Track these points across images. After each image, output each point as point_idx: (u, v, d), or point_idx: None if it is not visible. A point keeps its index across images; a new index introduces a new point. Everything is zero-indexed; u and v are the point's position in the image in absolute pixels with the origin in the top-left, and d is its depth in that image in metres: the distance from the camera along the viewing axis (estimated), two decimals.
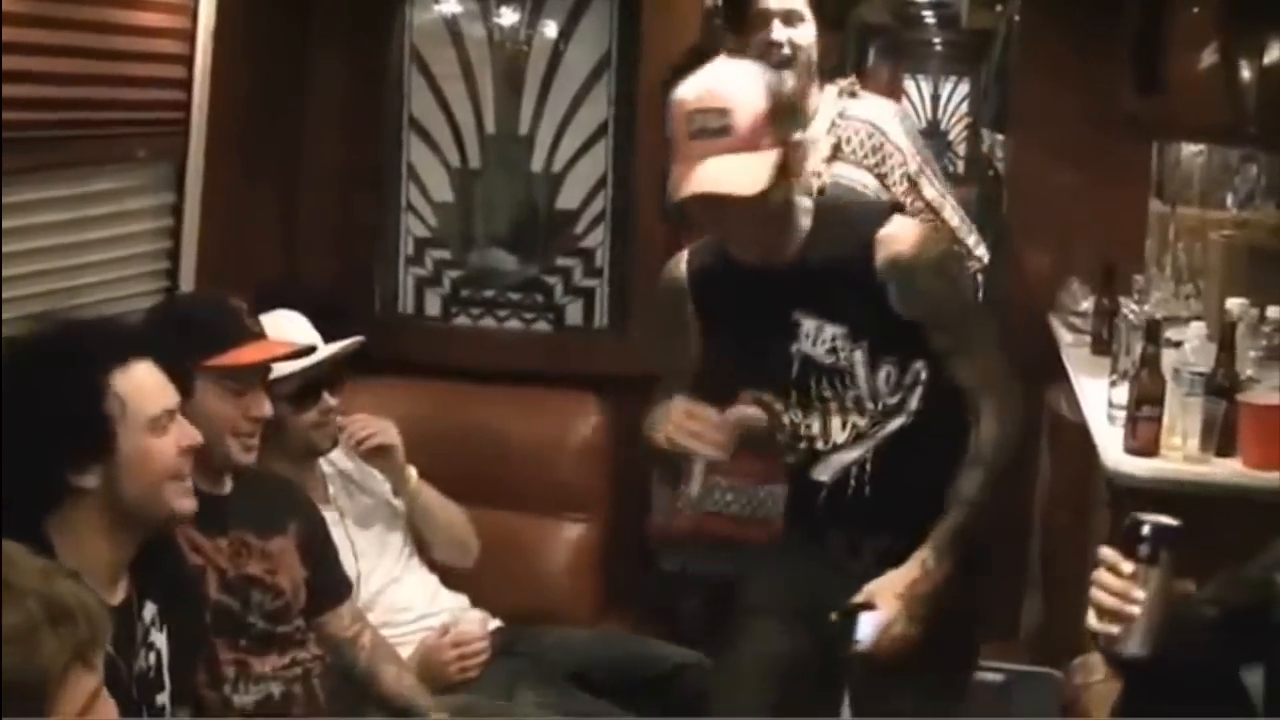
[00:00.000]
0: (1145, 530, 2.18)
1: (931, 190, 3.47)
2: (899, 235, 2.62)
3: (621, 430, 3.80)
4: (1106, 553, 2.20)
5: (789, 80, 2.76)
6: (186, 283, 3.46)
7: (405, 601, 3.32)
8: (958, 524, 2.66)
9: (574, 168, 3.98)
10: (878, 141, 3.41)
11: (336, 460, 3.34)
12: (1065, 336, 4.37)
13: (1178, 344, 3.42)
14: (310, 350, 3.04)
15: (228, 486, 2.81)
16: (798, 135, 2.61)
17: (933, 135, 8.28)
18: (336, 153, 3.96)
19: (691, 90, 2.55)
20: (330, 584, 2.99)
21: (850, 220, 2.68)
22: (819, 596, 2.71)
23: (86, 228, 3.16)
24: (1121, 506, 3.15)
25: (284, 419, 3.08)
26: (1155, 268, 4.52)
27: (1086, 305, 4.36)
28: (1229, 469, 3.18)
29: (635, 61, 3.89)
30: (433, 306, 4.07)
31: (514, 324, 4.05)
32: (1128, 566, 2.17)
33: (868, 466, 2.73)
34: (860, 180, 3.37)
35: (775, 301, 2.67)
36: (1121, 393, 3.36)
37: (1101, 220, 4.55)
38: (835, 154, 3.38)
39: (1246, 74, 3.69)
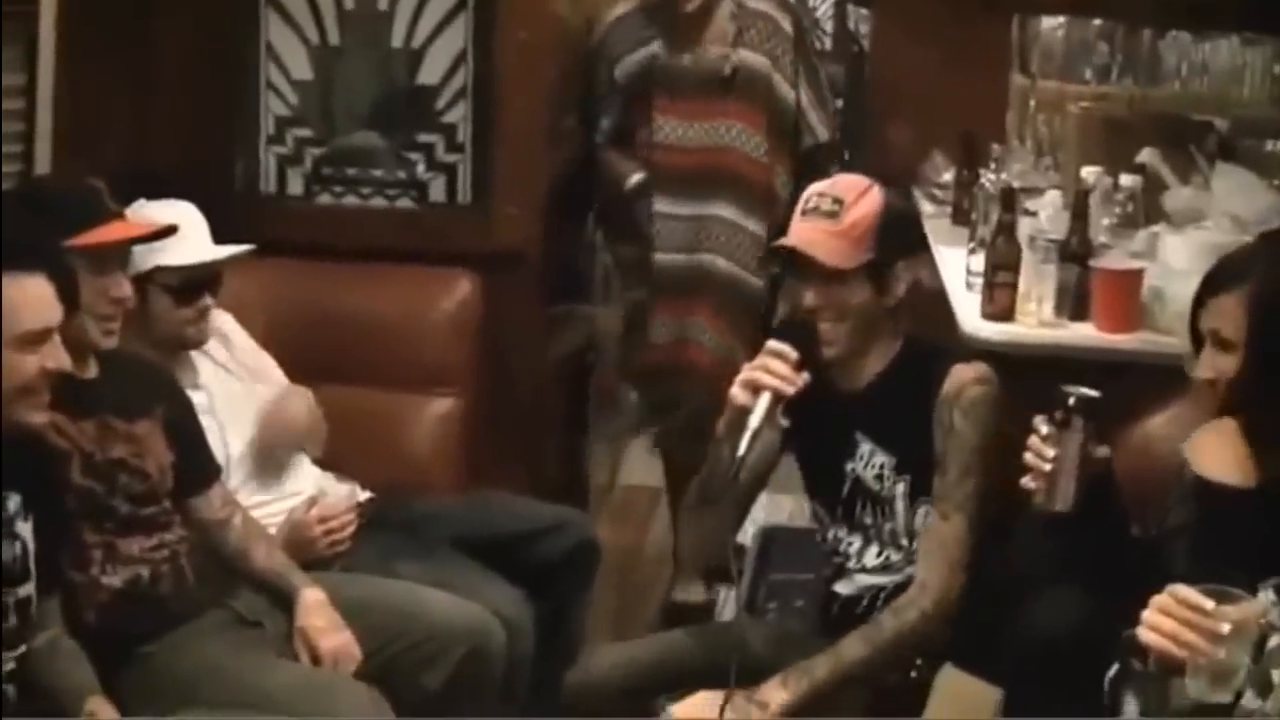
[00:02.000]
0: (1063, 397, 2.42)
1: (802, 67, 4.17)
2: (959, 370, 2.74)
3: (488, 304, 3.82)
4: (1036, 419, 2.43)
5: (908, 209, 2.97)
6: (42, 165, 3.41)
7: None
8: (821, 678, 2.65)
9: (434, 42, 3.94)
10: (772, 28, 4.13)
11: (209, 348, 3.31)
12: (927, 207, 4.43)
13: (1032, 214, 3.49)
14: (171, 230, 3.00)
15: (93, 370, 2.78)
16: (901, 264, 2.77)
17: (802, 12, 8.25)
18: (192, 31, 3.88)
19: (825, 182, 2.86)
20: (198, 466, 2.98)
21: (934, 359, 2.79)
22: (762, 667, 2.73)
23: None
24: None
25: (161, 311, 3.08)
26: (1016, 140, 4.57)
27: (948, 177, 4.43)
28: (1081, 333, 3.27)
29: None
30: (295, 185, 4.02)
31: (378, 201, 4.01)
32: (1044, 429, 2.43)
33: (884, 597, 2.79)
34: (760, 63, 4.11)
35: (844, 419, 2.80)
36: (979, 260, 3.44)
37: (963, 94, 4.59)
38: (738, 39, 4.09)
39: None
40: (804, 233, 2.75)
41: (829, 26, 9.02)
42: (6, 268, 2.30)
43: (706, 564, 2.94)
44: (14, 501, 2.37)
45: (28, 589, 2.37)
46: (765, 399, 2.65)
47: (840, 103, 6.01)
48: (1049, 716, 2.36)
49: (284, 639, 2.94)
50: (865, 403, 2.79)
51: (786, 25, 4.17)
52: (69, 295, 2.41)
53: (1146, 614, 2.10)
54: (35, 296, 2.33)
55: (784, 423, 2.80)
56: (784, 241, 2.79)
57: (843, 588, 2.85)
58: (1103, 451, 2.46)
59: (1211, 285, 2.44)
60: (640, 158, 4.18)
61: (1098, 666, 2.31)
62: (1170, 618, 2.06)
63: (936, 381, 2.73)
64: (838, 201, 2.73)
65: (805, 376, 2.66)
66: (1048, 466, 2.43)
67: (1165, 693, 2.16)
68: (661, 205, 4.18)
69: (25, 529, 2.38)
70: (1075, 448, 2.42)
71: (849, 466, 2.82)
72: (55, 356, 2.36)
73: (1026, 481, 2.46)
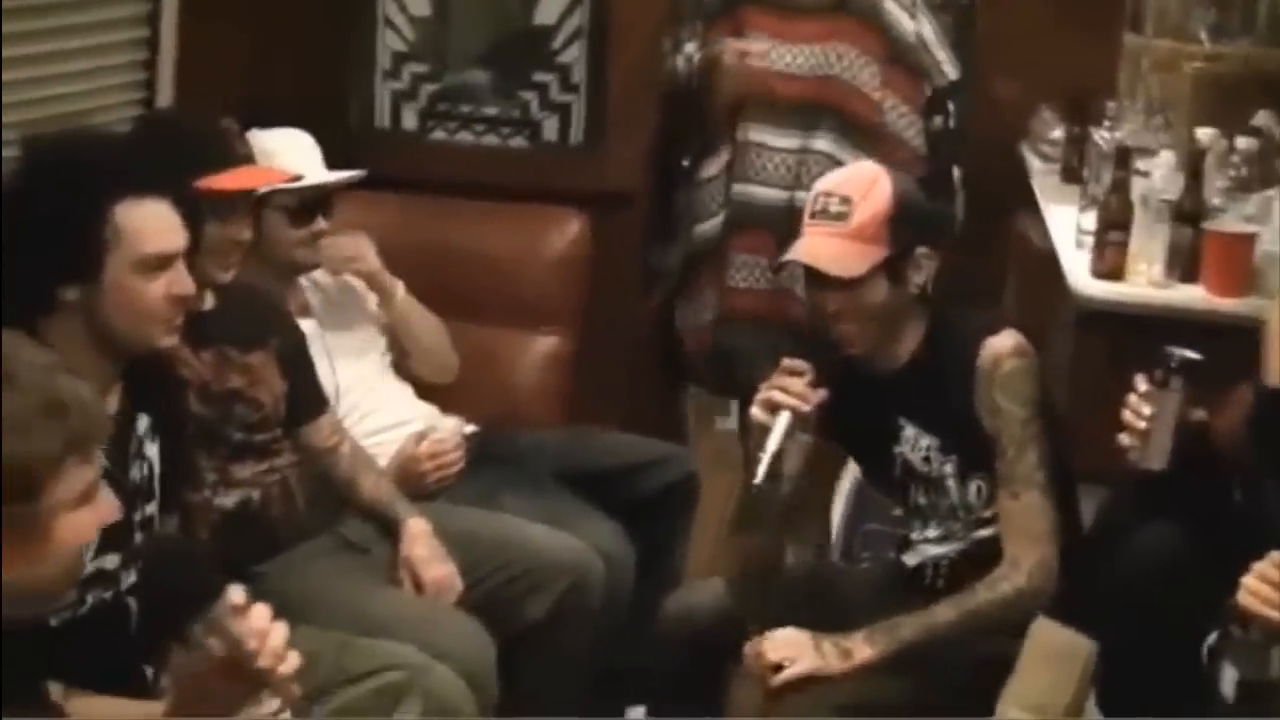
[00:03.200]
0: (1165, 358, 2.45)
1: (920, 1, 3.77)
2: (996, 344, 2.70)
3: (597, 245, 3.85)
4: (1136, 376, 2.46)
5: (918, 193, 2.83)
6: (164, 95, 3.47)
7: (383, 410, 3.36)
8: (908, 639, 2.65)
9: None
10: None
11: (318, 277, 3.37)
12: (1035, 164, 4.40)
13: (1145, 174, 3.48)
14: (297, 178, 3.06)
15: (209, 301, 2.84)
16: (920, 250, 2.71)
17: None
18: None
19: (831, 177, 2.84)
20: (309, 397, 3.04)
21: (962, 335, 2.75)
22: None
23: (65, 36, 3.17)
24: (1087, 328, 3.26)
25: (275, 233, 3.13)
26: (1127, 99, 4.53)
27: (1057, 134, 4.39)
28: (1192, 295, 3.27)
29: None
30: (409, 121, 4.07)
31: (490, 139, 4.06)
32: (1142, 386, 2.46)
33: (948, 564, 2.81)
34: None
35: (884, 404, 2.79)
36: (1090, 218, 3.43)
37: (1074, 51, 4.55)
38: None
39: None
40: (813, 242, 2.72)
41: None
42: (131, 192, 2.34)
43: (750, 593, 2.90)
44: (144, 422, 2.42)
45: (153, 508, 2.43)
46: (784, 418, 2.67)
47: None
48: (1142, 666, 2.39)
49: (391, 566, 3.01)
50: (902, 386, 2.77)
51: None
52: (194, 225, 2.45)
53: (1247, 580, 2.12)
54: (158, 221, 2.37)
55: (807, 439, 2.78)
56: (791, 255, 2.77)
57: (909, 559, 2.87)
58: (1199, 414, 2.48)
59: None
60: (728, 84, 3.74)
61: (1192, 614, 2.33)
62: (1270, 584, 2.07)
63: (969, 356, 2.70)
64: (846, 200, 2.70)
65: (823, 393, 2.69)
66: (1143, 424, 2.46)
67: (1266, 660, 2.18)
68: (753, 133, 3.75)
69: (153, 450, 2.44)
70: (1173, 408, 2.45)
71: (895, 450, 2.81)
72: (180, 283, 2.39)
73: (1123, 437, 2.48)
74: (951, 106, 4.02)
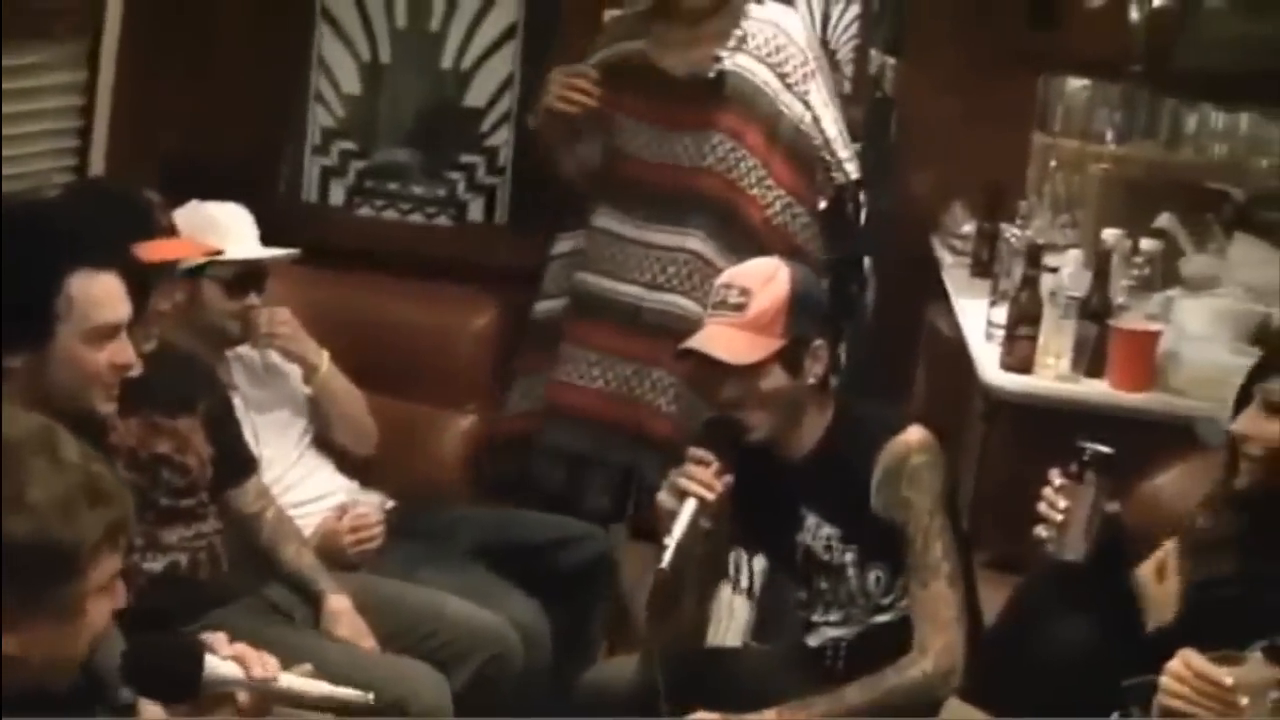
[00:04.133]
0: (1079, 452, 2.50)
1: (818, 96, 3.57)
2: (903, 440, 2.74)
3: (520, 324, 3.90)
4: (1050, 471, 2.52)
5: (817, 287, 2.90)
6: (96, 161, 3.50)
7: (305, 485, 3.37)
8: (821, 714, 2.71)
9: (482, 66, 4.05)
10: (781, 41, 3.53)
11: (243, 351, 3.38)
12: (946, 257, 4.55)
13: (1053, 270, 3.60)
14: (219, 252, 3.09)
15: (137, 368, 2.87)
16: (817, 342, 2.77)
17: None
18: (247, 40, 3.98)
19: (732, 270, 2.87)
20: (235, 461, 3.05)
21: (868, 429, 2.80)
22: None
23: (7, 100, 3.20)
24: (996, 418, 3.36)
25: (210, 304, 3.16)
26: (1035, 196, 4.68)
27: (968, 228, 4.54)
28: (1097, 389, 3.38)
29: None
30: (336, 196, 4.13)
31: (416, 217, 4.12)
32: (1057, 480, 2.52)
33: (847, 645, 2.85)
34: (761, 75, 3.51)
35: (787, 492, 2.83)
36: (1000, 312, 3.54)
37: (986, 147, 4.70)
38: (740, 45, 3.51)
39: (1135, 15, 3.87)
40: (710, 332, 2.78)
41: (849, 70, 9.17)
42: (82, 264, 2.40)
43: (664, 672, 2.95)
44: None
45: None
46: (690, 505, 2.70)
47: (858, 147, 6.11)
48: None
49: (313, 632, 3.03)
50: (805, 476, 2.82)
51: (800, 39, 3.59)
52: (138, 295, 2.51)
53: (1165, 681, 2.18)
54: (109, 293, 2.42)
55: (706, 526, 2.80)
56: (689, 344, 2.82)
57: (811, 640, 2.91)
58: (1113, 506, 2.56)
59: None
60: (598, 171, 3.61)
61: (1100, 702, 2.41)
62: (1188, 686, 2.15)
63: (874, 449, 2.75)
64: (744, 292, 2.76)
65: (728, 479, 2.73)
66: (1059, 517, 2.53)
67: None
68: (610, 223, 3.60)
69: None
70: (1088, 501, 2.52)
71: (798, 538, 2.85)
72: (123, 352, 2.45)
73: (1039, 530, 2.57)
74: (862, 198, 4.11)
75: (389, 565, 3.29)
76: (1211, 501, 2.57)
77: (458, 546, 3.44)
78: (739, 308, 2.75)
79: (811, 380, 2.78)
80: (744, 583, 3.87)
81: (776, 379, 2.75)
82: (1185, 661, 2.17)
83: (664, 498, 2.75)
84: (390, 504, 3.47)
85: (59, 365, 2.39)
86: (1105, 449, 2.54)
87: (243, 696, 1.93)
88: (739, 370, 2.74)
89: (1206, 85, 3.86)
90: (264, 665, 1.95)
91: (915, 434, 2.76)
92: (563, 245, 3.70)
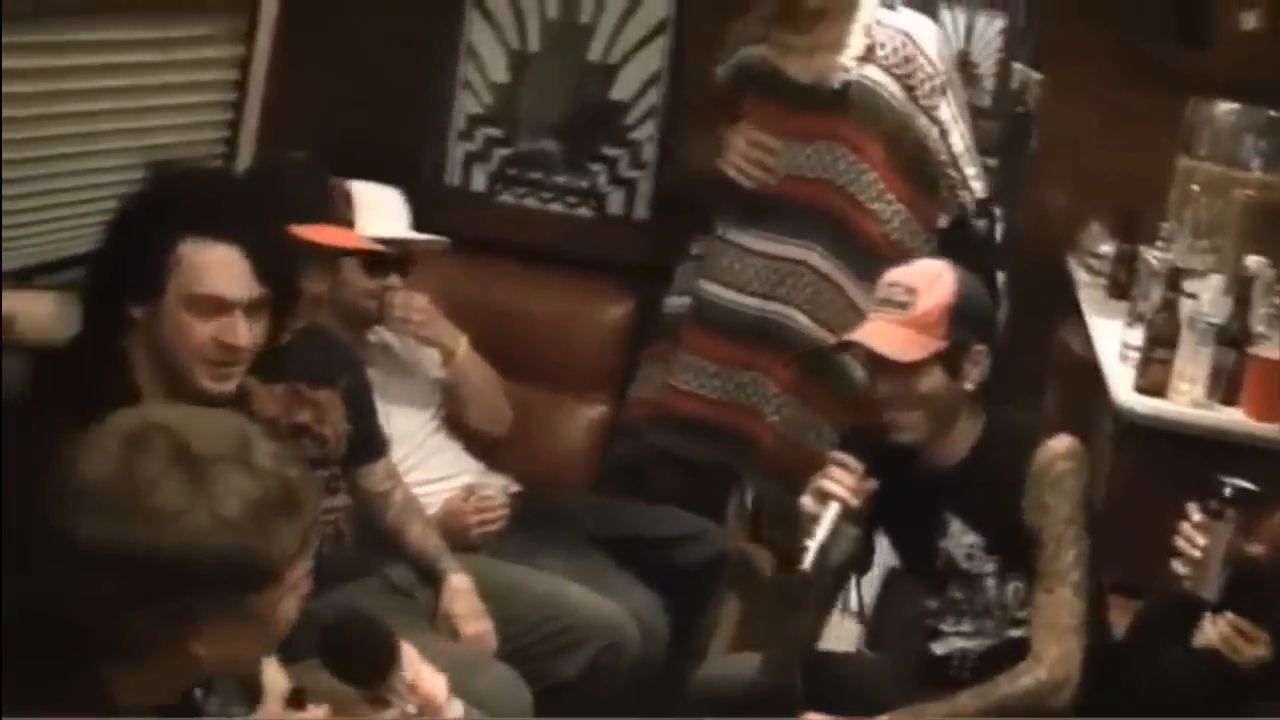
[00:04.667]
0: (1219, 487, 2.50)
1: (947, 111, 3.52)
2: (1053, 445, 2.76)
3: (651, 318, 3.92)
4: (1189, 505, 2.54)
5: (981, 293, 2.88)
6: (247, 137, 3.57)
7: (431, 464, 3.43)
8: None
9: (631, 61, 4.06)
10: (910, 52, 3.47)
11: (381, 332, 3.44)
12: (1082, 276, 4.50)
13: (1194, 296, 3.57)
14: (382, 247, 3.15)
15: (286, 336, 2.93)
16: (977, 348, 2.78)
17: (962, 67, 8.27)
18: (399, 24, 4.03)
19: (899, 269, 2.86)
20: (369, 438, 3.10)
21: (1019, 436, 2.82)
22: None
23: (163, 71, 3.27)
24: (1125, 441, 3.33)
25: (349, 281, 3.21)
26: (1176, 219, 4.63)
27: (1106, 248, 4.49)
28: (1231, 417, 3.35)
29: None
30: (479, 182, 4.17)
31: (556, 207, 4.15)
32: (1197, 516, 2.54)
33: (975, 658, 2.87)
34: (887, 86, 3.47)
35: (934, 498, 2.85)
36: (1136, 334, 3.52)
37: (1127, 168, 4.65)
38: (868, 55, 3.46)
39: None
40: (875, 327, 2.80)
41: (990, 84, 9.11)
42: (200, 231, 2.44)
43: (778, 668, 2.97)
44: None
45: None
46: (833, 510, 2.72)
47: (994, 162, 6.07)
48: None
49: (432, 613, 3.07)
50: (953, 483, 2.83)
51: (933, 54, 3.51)
52: (276, 278, 2.52)
53: None
54: (219, 265, 2.44)
55: (853, 531, 2.83)
56: (852, 336, 2.86)
57: (937, 648, 2.92)
58: (1254, 547, 2.55)
59: None
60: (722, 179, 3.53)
61: None
62: None
63: (1022, 460, 2.76)
64: (911, 291, 2.77)
65: (873, 484, 2.75)
66: (1198, 554, 2.53)
67: None
68: (730, 232, 3.59)
69: None
70: (1226, 538, 2.51)
71: (940, 544, 2.86)
72: (231, 332, 2.45)
73: (1176, 565, 2.55)
74: (998, 214, 4.08)
75: (511, 549, 3.34)
76: None
77: (579, 534, 3.48)
78: (904, 305, 2.77)
79: (969, 386, 2.79)
80: (853, 604, 3.88)
81: (934, 380, 2.76)
82: None
83: (807, 500, 2.76)
84: (515, 488, 3.52)
85: (165, 326, 2.44)
86: (1248, 485, 2.52)
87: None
88: (898, 367, 2.75)
89: None
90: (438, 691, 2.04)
91: (1064, 441, 2.78)
92: (696, 248, 3.72)
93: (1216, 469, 2.70)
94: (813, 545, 2.70)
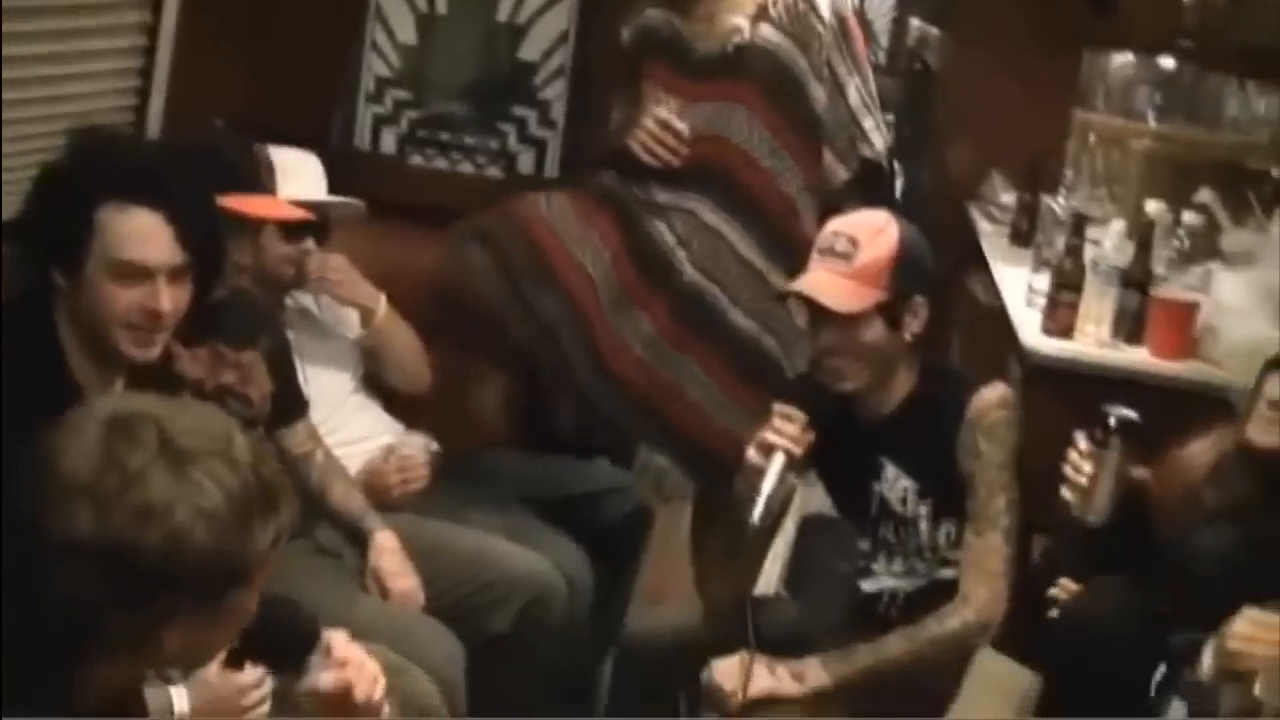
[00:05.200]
0: (1104, 417, 2.59)
1: (843, 66, 3.59)
2: (988, 394, 2.84)
3: None
4: (1076, 433, 2.61)
5: (923, 245, 2.93)
6: (157, 102, 3.55)
7: (351, 425, 3.45)
8: (860, 666, 2.79)
9: (538, 21, 4.08)
10: (803, 9, 3.51)
11: (299, 295, 3.45)
12: (985, 226, 4.59)
13: (1093, 242, 3.65)
14: (307, 217, 3.18)
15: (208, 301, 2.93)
16: (918, 299, 2.83)
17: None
18: None
19: (842, 218, 2.91)
20: (290, 399, 3.12)
21: (955, 384, 2.90)
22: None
23: (70, 38, 3.25)
24: (1034, 382, 3.41)
25: (265, 246, 3.20)
26: (1075, 170, 4.72)
27: (1007, 198, 4.58)
28: (1136, 356, 3.43)
29: None
30: (388, 144, 4.17)
31: (466, 167, 4.16)
32: (1084, 445, 2.62)
33: (903, 597, 2.94)
34: (782, 45, 3.51)
35: (870, 444, 2.91)
36: (1042, 279, 3.59)
37: (1026, 120, 4.73)
38: (762, 14, 3.50)
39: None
40: (816, 277, 2.84)
41: (884, 40, 9.19)
42: (119, 197, 2.45)
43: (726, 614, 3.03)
44: None
45: None
46: (778, 461, 2.77)
47: (891, 118, 6.13)
48: (1083, 703, 2.53)
49: (360, 572, 3.10)
50: (888, 430, 2.90)
51: (825, 10, 3.54)
52: (198, 244, 2.52)
53: (1233, 642, 2.28)
54: (139, 231, 2.45)
55: (794, 480, 2.94)
56: (794, 286, 2.91)
57: (867, 585, 2.99)
58: (1139, 472, 2.65)
59: None
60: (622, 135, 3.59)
61: (1135, 657, 2.48)
62: (1259, 642, 2.25)
63: (956, 407, 2.83)
64: (853, 241, 2.81)
65: (812, 435, 2.80)
66: (1084, 480, 2.63)
67: (1215, 698, 2.31)
68: (636, 189, 3.61)
69: None
70: (1112, 465, 2.61)
71: (875, 488, 2.93)
72: (154, 298, 2.46)
73: (1064, 492, 2.64)
74: (896, 168, 4.13)
75: (436, 507, 3.36)
76: (1221, 466, 2.63)
77: (504, 491, 3.52)
78: (846, 256, 2.81)
79: (908, 337, 2.85)
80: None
81: (875, 331, 2.81)
82: (1260, 621, 2.25)
83: (752, 454, 2.81)
84: (435, 447, 3.54)
85: (86, 292, 2.45)
86: (1132, 414, 2.62)
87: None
88: (839, 318, 2.79)
89: (1256, 62, 3.90)
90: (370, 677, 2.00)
91: (998, 389, 2.86)
92: None
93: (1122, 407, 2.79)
94: (761, 498, 2.74)
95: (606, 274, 3.57)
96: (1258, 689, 2.22)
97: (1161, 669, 2.42)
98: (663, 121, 3.51)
